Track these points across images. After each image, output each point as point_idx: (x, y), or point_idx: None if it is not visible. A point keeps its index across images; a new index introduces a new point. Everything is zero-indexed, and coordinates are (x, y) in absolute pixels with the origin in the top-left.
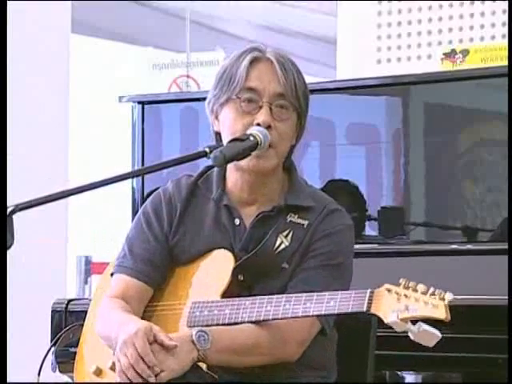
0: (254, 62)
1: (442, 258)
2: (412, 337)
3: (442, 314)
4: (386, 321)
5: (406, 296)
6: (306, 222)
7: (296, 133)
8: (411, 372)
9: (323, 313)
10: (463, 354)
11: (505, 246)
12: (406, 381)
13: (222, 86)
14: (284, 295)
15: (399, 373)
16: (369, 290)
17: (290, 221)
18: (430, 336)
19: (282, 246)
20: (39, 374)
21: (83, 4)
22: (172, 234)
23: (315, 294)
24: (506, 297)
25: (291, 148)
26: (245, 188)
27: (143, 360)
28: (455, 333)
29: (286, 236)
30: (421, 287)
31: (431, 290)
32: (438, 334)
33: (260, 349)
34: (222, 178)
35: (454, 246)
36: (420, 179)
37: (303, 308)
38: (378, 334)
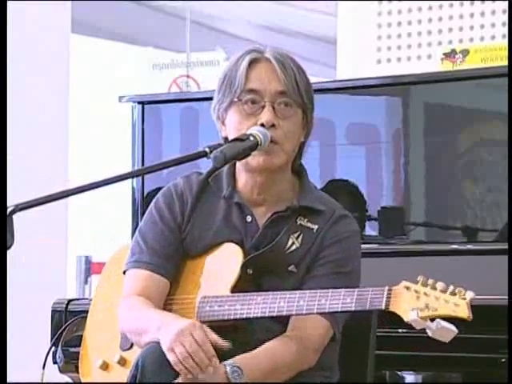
0: (252, 63)
1: (442, 258)
2: (430, 333)
3: (464, 313)
4: (405, 319)
5: (425, 294)
6: (315, 227)
7: (304, 129)
8: (411, 372)
9: (340, 310)
10: (463, 353)
11: (505, 246)
12: (406, 381)
13: (224, 91)
14: (297, 291)
15: (399, 373)
16: (386, 288)
17: (300, 224)
18: (447, 332)
19: (293, 247)
20: (44, 368)
21: (83, 4)
22: (184, 226)
23: (330, 290)
24: (506, 297)
25: (301, 145)
26: (254, 188)
27: (202, 349)
28: None
29: (297, 238)
30: (440, 285)
31: (451, 288)
32: (454, 329)
33: (283, 368)
34: (232, 176)
35: (454, 246)
36: (420, 179)
37: (318, 304)
38: (378, 334)
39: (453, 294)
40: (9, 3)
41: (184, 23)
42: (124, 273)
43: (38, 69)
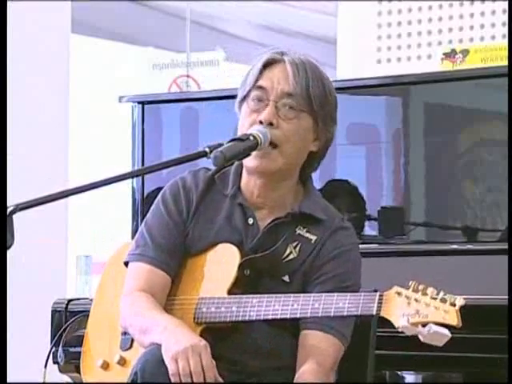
0: (269, 63)
1: (441, 257)
2: (422, 339)
3: (453, 320)
4: (396, 325)
5: (416, 300)
6: (314, 238)
7: (314, 138)
8: (411, 372)
9: (332, 314)
10: (463, 353)
11: (505, 246)
12: (406, 381)
13: (240, 87)
14: (292, 294)
15: (399, 373)
16: (378, 293)
17: (299, 233)
18: (440, 336)
19: (291, 256)
20: (46, 366)
21: (83, 4)
22: (187, 222)
23: (323, 294)
24: (506, 297)
25: (314, 156)
26: (254, 190)
27: (204, 374)
28: (455, 333)
29: (295, 247)
30: (431, 291)
31: (441, 294)
32: (447, 333)
33: None
34: (239, 175)
35: (454, 246)
36: (420, 179)
37: (312, 308)
38: (378, 334)
39: (443, 300)
40: (9, 3)
41: (184, 23)
42: (126, 264)
43: (38, 69)
